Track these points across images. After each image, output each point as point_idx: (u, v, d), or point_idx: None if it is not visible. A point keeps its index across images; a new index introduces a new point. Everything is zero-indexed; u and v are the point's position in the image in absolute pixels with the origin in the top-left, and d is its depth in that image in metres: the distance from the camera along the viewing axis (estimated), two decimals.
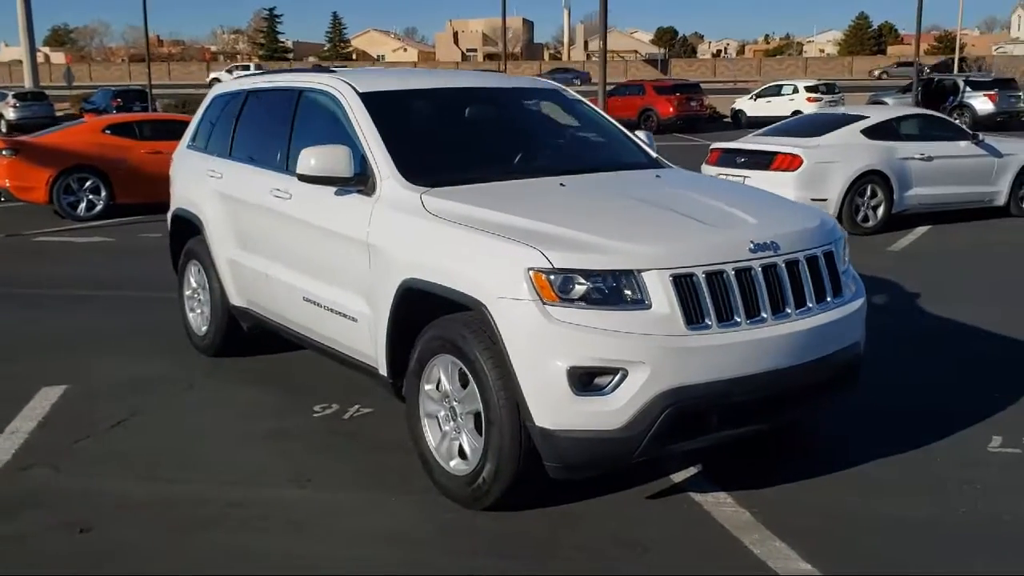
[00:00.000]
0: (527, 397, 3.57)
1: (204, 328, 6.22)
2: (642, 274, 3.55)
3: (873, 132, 11.25)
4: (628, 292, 3.54)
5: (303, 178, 4.51)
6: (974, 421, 4.89)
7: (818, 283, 3.94)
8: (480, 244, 3.76)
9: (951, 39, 74.35)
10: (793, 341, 3.75)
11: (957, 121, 14.83)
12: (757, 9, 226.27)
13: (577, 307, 3.52)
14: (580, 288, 3.54)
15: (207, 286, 6.06)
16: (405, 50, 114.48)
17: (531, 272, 3.55)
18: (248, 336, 6.05)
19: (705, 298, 3.59)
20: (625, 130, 5.42)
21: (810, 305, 3.87)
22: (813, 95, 32.05)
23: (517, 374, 3.57)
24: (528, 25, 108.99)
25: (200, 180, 5.99)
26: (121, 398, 5.47)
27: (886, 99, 31.58)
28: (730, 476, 4.23)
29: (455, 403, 3.98)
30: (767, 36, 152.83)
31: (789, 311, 3.78)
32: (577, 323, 3.49)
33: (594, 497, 4.05)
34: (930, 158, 11.29)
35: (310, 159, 4.46)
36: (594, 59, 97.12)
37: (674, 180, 4.77)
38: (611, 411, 3.51)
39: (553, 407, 3.54)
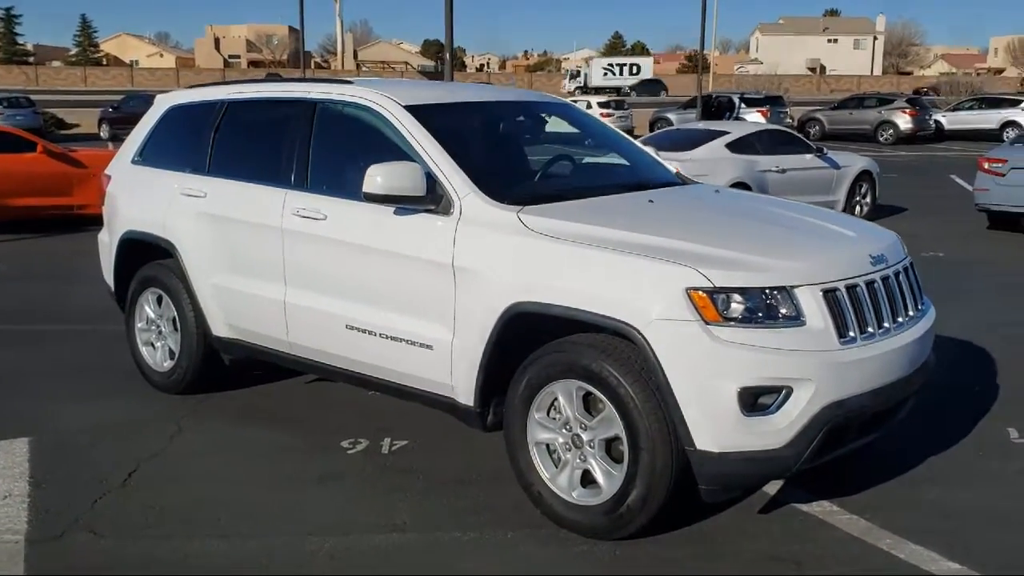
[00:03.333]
0: (690, 421, 3.48)
1: (168, 364, 5.60)
2: (795, 290, 3.56)
3: (736, 146, 11.91)
4: (783, 309, 3.54)
5: (370, 197, 4.17)
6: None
7: (912, 293, 4.12)
8: (619, 264, 3.63)
9: (697, 57, 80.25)
10: (911, 349, 3.89)
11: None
12: (517, 25, 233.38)
13: (739, 326, 3.48)
14: (738, 307, 3.50)
15: (175, 316, 5.46)
16: (161, 55, 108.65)
17: (690, 292, 3.47)
18: (226, 371, 5.53)
19: (849, 312, 3.65)
20: (637, 143, 5.42)
21: (912, 314, 4.03)
22: (605, 111, 33.42)
23: (679, 398, 3.48)
24: (295, 33, 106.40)
25: (168, 199, 5.39)
26: (108, 447, 4.82)
27: (669, 115, 33.47)
28: (812, 483, 4.31)
29: (581, 430, 3.81)
30: (526, 52, 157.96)
31: (902, 320, 3.93)
32: (742, 342, 3.45)
33: (708, 517, 4.01)
34: (784, 170, 12.09)
35: (376, 177, 4.13)
36: (364, 68, 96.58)
37: (735, 195, 4.83)
38: (777, 429, 3.49)
39: (720, 430, 3.47)
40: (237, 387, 5.68)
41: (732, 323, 3.48)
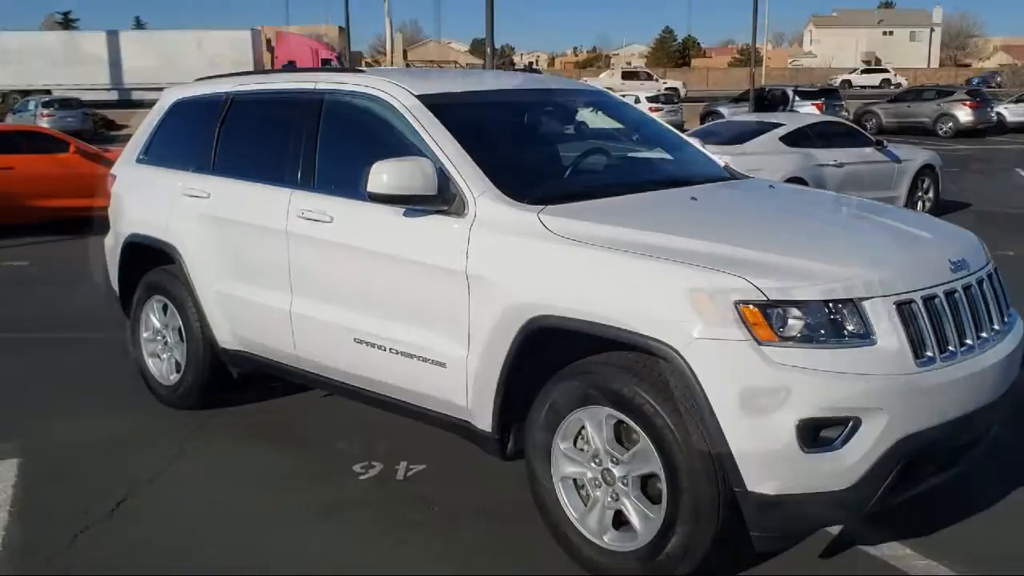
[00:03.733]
0: (739, 458, 2.96)
1: (174, 376, 5.21)
2: (864, 303, 3.02)
3: (790, 139, 11.29)
4: (850, 325, 3.00)
5: (375, 197, 3.72)
6: None
7: (997, 303, 3.55)
8: (654, 272, 3.12)
9: (749, 52, 78.67)
10: (997, 370, 3.33)
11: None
12: (565, 23, 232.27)
13: (797, 346, 2.95)
14: (796, 323, 2.98)
15: (180, 326, 5.07)
16: None
17: (740, 306, 2.96)
18: (236, 385, 5.12)
19: (926, 327, 3.11)
20: (680, 134, 4.90)
21: (997, 328, 3.46)
22: (654, 104, 32.71)
23: (726, 431, 2.96)
24: (344, 33, 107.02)
25: (171, 200, 4.99)
26: (100, 470, 4.44)
27: (721, 108, 32.66)
28: (881, 521, 3.76)
29: (612, 465, 3.31)
30: (575, 49, 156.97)
31: (986, 336, 3.36)
32: (802, 365, 2.93)
33: (760, 562, 3.49)
34: (841, 164, 11.42)
35: (382, 175, 3.68)
36: (415, 67, 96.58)
37: (792, 192, 4.29)
38: (842, 468, 2.96)
39: (775, 468, 2.95)
40: (250, 401, 5.27)
41: (789, 343, 2.95)
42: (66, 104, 31.37)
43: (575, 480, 3.44)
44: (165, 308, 5.21)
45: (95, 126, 31.47)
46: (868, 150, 11.97)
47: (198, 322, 4.94)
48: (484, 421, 3.64)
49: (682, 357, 3.00)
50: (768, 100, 31.33)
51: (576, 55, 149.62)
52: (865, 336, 3.00)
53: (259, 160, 4.71)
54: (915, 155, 12.54)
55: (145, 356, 5.38)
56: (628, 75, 54.98)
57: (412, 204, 3.73)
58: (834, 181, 11.28)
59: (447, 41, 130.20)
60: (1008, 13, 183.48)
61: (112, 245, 5.59)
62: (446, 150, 3.82)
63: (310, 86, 4.52)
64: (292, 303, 4.38)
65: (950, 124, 30.84)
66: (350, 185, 4.19)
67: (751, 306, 2.95)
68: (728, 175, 4.55)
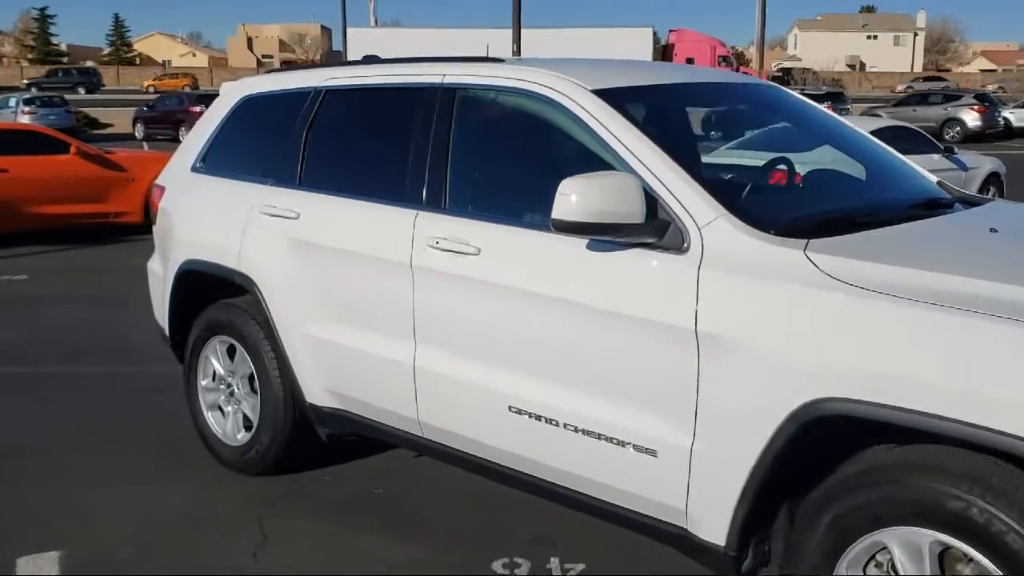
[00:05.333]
0: None
1: (242, 435, 4.25)
2: None
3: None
4: None
5: (562, 226, 2.78)
6: None
7: None
8: (1012, 339, 2.20)
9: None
10: None
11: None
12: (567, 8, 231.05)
13: None
14: None
15: (253, 374, 4.11)
16: (194, 55, 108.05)
17: None
18: (321, 448, 4.17)
19: None
20: (878, 142, 4.00)
21: None
22: None
23: None
24: (327, 32, 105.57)
25: (244, 220, 4.03)
26: (167, 566, 3.47)
27: None
28: None
29: None
30: None
31: None
32: None
33: None
34: None
35: (571, 195, 2.74)
36: None
37: None
38: None
39: None
40: (336, 460, 4.32)
41: None
42: (48, 102, 30.12)
43: None
44: (232, 351, 4.25)
45: (78, 124, 30.21)
46: (936, 157, 11.14)
47: (278, 371, 3.98)
48: (713, 531, 2.71)
49: None
50: None
51: None
52: None
53: (365, 171, 3.78)
54: (981, 162, 11.77)
55: (204, 408, 4.41)
56: None
57: (612, 235, 2.79)
58: None
59: None
60: (988, 19, 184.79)
61: (159, 272, 4.62)
62: (649, 162, 2.89)
63: (434, 79, 3.57)
64: (416, 355, 3.44)
65: (957, 129, 30.23)
66: (500, 206, 3.28)
67: None
68: (953, 195, 3.65)
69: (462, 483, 3.96)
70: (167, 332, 4.58)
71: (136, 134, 30.58)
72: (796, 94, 4.08)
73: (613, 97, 3.12)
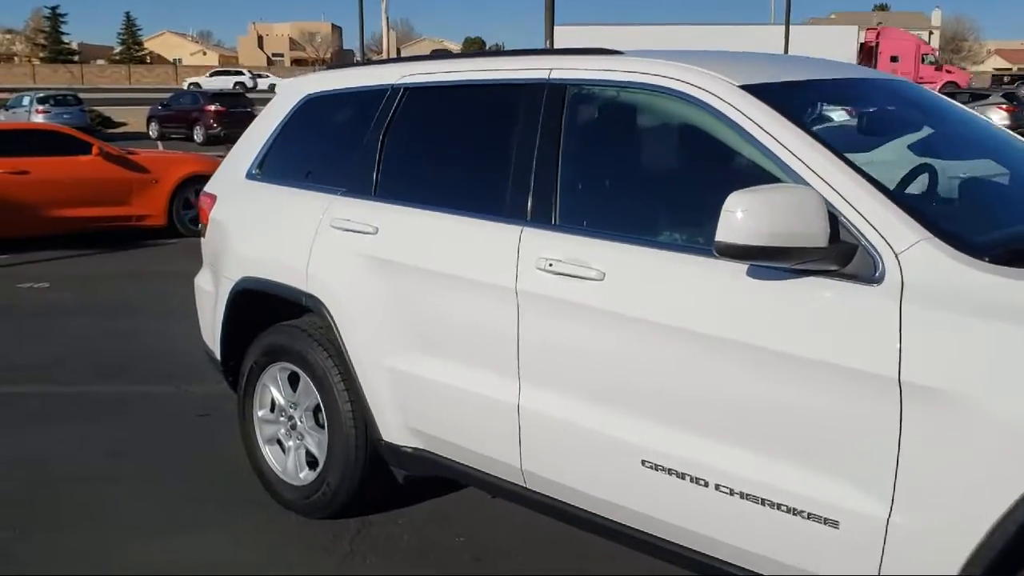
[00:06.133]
0: None
1: (307, 474, 3.80)
2: None
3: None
4: None
5: (727, 250, 2.31)
6: None
7: None
8: None
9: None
10: None
11: None
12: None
13: None
14: None
15: (320, 407, 3.66)
16: (204, 53, 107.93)
17: None
18: (396, 491, 3.71)
19: None
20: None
21: None
22: None
23: None
24: (338, 30, 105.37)
25: (311, 234, 3.57)
26: None
27: None
28: None
29: None
30: None
31: None
32: None
33: None
34: None
35: (736, 212, 2.27)
36: None
37: None
38: None
39: None
40: (407, 501, 3.87)
41: None
42: (62, 100, 29.78)
43: None
44: (294, 380, 3.80)
45: (92, 123, 29.85)
46: None
47: (349, 404, 3.52)
48: None
49: None
50: None
51: None
52: None
53: (455, 180, 3.31)
54: None
55: (261, 442, 3.96)
56: None
57: (788, 261, 2.32)
58: None
59: (439, 40, 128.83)
60: (1002, 16, 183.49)
61: (210, 290, 4.17)
62: (827, 173, 2.42)
63: (539, 74, 3.10)
64: (521, 394, 2.97)
65: None
66: (627, 222, 2.82)
67: None
68: None
69: (549, 528, 3.50)
70: (218, 356, 4.13)
71: (150, 133, 30.23)
72: (933, 92, 3.60)
73: (768, 94, 2.65)
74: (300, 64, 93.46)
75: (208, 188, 4.28)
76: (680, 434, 2.59)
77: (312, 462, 3.78)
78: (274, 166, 3.98)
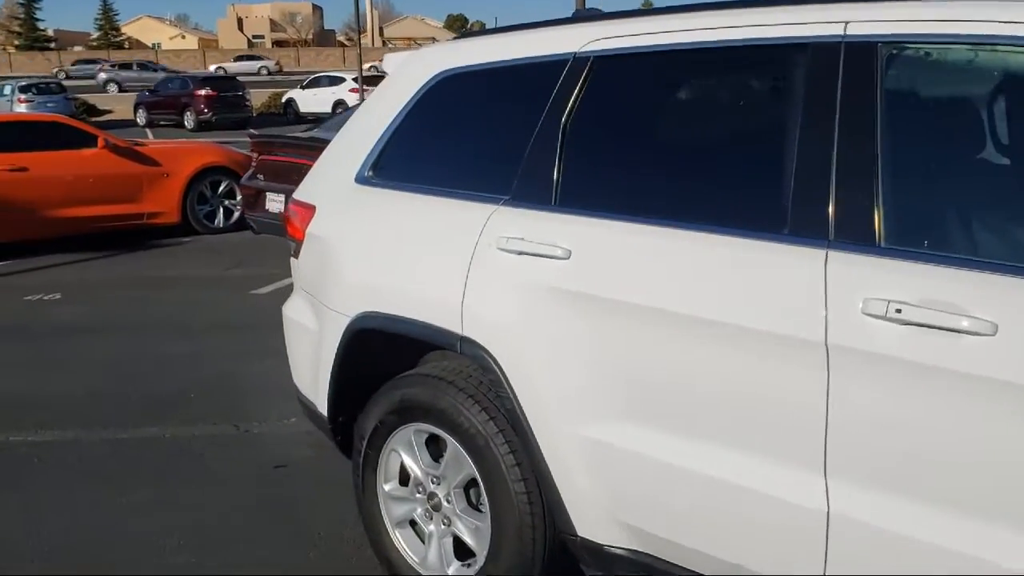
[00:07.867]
0: None
1: (458, 569, 2.89)
2: None
3: None
4: None
5: None
6: None
7: None
8: None
9: None
10: None
11: None
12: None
13: None
14: None
15: (480, 484, 2.74)
16: (183, 37, 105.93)
17: None
18: None
19: None
20: None
21: None
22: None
23: None
24: (319, 11, 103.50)
25: (466, 256, 2.65)
26: None
27: None
28: None
29: None
30: None
31: None
32: None
33: None
34: None
35: None
36: (391, 45, 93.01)
37: None
38: None
39: None
40: None
41: None
42: (46, 88, 28.61)
43: None
44: (436, 444, 2.88)
45: (77, 111, 28.70)
46: None
47: (523, 482, 2.62)
48: None
49: None
50: None
51: None
52: None
53: (693, 184, 2.38)
54: None
55: (389, 525, 3.05)
56: None
57: None
58: None
59: (421, 17, 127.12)
60: None
61: (311, 326, 3.23)
62: None
63: (828, 30, 2.17)
64: (830, 495, 2.06)
65: None
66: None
67: None
68: None
69: None
70: (324, 411, 3.20)
71: (138, 120, 29.12)
72: None
73: None
74: (282, 45, 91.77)
75: (301, 195, 3.33)
76: None
77: (463, 553, 2.88)
78: (395, 167, 3.04)
